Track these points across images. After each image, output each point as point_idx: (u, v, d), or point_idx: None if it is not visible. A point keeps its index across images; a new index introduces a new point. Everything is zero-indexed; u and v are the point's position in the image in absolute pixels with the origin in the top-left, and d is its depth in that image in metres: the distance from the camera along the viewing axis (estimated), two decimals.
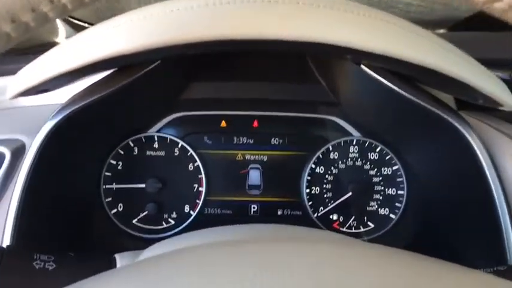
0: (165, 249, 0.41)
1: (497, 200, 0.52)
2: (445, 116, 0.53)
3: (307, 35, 0.38)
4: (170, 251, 0.30)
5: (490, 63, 0.49)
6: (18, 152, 0.52)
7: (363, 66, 0.53)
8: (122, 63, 0.46)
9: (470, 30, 0.94)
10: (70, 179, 0.61)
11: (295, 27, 0.38)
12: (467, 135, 0.54)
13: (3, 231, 0.49)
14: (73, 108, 0.53)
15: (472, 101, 0.53)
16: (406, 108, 0.56)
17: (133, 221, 0.70)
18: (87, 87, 0.55)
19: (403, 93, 0.53)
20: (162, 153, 0.71)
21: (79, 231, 0.64)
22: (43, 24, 0.26)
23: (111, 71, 0.54)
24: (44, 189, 0.54)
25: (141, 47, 0.38)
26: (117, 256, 0.43)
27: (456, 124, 0.53)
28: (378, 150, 0.72)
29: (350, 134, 0.72)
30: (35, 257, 0.39)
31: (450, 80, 0.45)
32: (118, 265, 0.42)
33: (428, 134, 0.62)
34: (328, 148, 0.72)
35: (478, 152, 0.54)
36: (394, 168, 0.72)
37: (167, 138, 0.71)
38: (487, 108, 0.51)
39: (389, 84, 0.52)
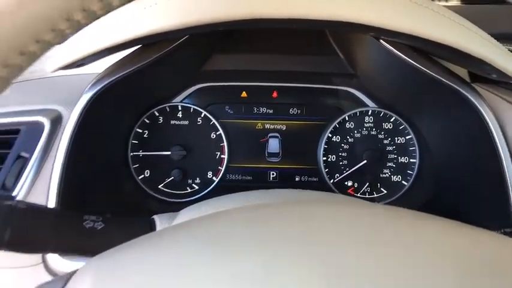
0: (200, 211, 0.45)
1: (506, 168, 0.55)
2: (459, 88, 0.56)
3: (337, 14, 0.40)
4: (222, 211, 0.33)
5: (502, 37, 0.51)
6: (56, 121, 0.56)
7: (381, 41, 0.55)
8: (158, 39, 0.48)
9: (483, 3, 0.94)
10: (101, 147, 0.65)
11: (324, 7, 0.40)
12: (479, 106, 0.57)
13: (48, 196, 0.53)
14: (108, 81, 0.56)
15: (485, 75, 0.55)
16: (421, 81, 0.59)
17: (159, 186, 0.74)
18: (119, 61, 0.58)
19: (419, 66, 0.55)
20: (186, 122, 0.74)
21: (111, 195, 0.68)
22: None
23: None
24: (82, 157, 0.57)
25: (181, 25, 0.41)
26: (155, 218, 0.47)
27: (469, 96, 0.56)
28: (392, 120, 0.75)
29: (366, 105, 0.75)
30: (85, 217, 0.43)
31: (465, 55, 0.47)
32: (158, 226, 0.46)
33: (441, 105, 0.64)
34: (345, 118, 0.75)
35: (489, 122, 0.56)
36: (407, 137, 0.75)
37: (191, 107, 0.74)
38: (499, 81, 0.53)
39: (406, 58, 0.55)
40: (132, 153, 0.74)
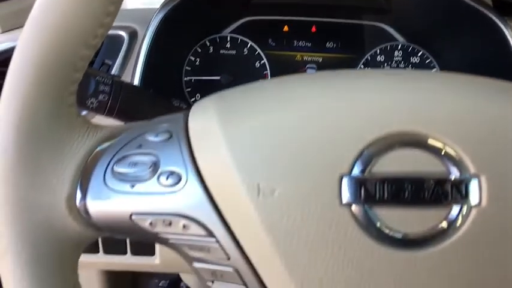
0: None
1: None
2: (486, 12, 0.64)
3: None
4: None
5: None
6: (133, 36, 0.65)
7: None
8: None
9: None
10: (167, 68, 0.75)
11: None
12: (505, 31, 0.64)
13: None
14: (175, 3, 0.65)
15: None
16: (450, 9, 0.67)
17: None
18: None
19: None
20: (234, 52, 0.83)
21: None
22: None
23: None
24: (155, 71, 0.67)
25: None
26: None
27: (496, 20, 0.64)
28: (419, 54, 0.83)
29: (396, 40, 0.83)
30: (172, 99, 0.52)
31: None
32: None
33: (469, 35, 0.72)
34: (376, 51, 0.83)
35: None
36: (433, 70, 0.83)
37: (238, 39, 0.83)
38: None
39: None
40: (185, 78, 0.83)
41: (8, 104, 0.31)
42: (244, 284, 0.31)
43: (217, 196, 0.30)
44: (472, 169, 0.29)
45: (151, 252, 0.64)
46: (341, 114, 0.30)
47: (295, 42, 0.84)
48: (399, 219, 0.29)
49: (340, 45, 0.84)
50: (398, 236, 0.29)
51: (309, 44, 0.84)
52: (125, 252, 0.64)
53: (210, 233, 0.31)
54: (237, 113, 0.32)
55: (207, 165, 0.31)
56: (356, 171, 0.29)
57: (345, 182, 0.29)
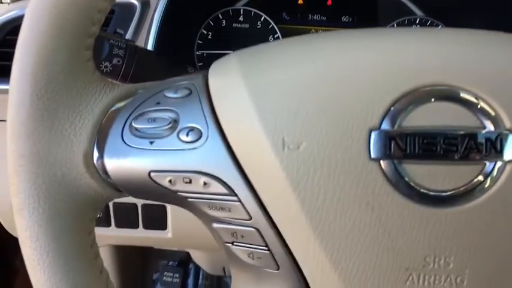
0: None
1: None
2: None
3: None
4: None
5: None
6: (146, 5, 0.64)
7: None
8: None
9: None
10: (178, 40, 0.73)
11: None
12: None
13: None
14: None
15: None
16: None
17: None
18: None
19: None
20: (247, 25, 0.81)
21: None
22: None
23: None
24: (167, 44, 0.66)
25: None
26: None
27: None
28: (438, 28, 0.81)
29: (414, 13, 0.81)
30: (187, 66, 0.51)
31: None
32: None
33: (487, 8, 0.70)
34: (393, 26, 0.81)
35: None
36: None
37: (252, 11, 0.81)
38: None
39: None
40: (198, 52, 0.81)
41: (24, 56, 0.30)
42: (266, 245, 0.31)
43: (239, 152, 0.29)
44: (507, 124, 0.27)
45: (163, 226, 0.64)
46: (370, 67, 0.28)
47: (310, 15, 0.82)
48: (430, 175, 0.27)
49: (356, 19, 0.82)
50: (429, 192, 0.28)
51: (324, 18, 0.82)
52: (137, 226, 0.64)
53: (232, 191, 0.30)
54: (261, 65, 0.31)
55: (229, 120, 0.30)
56: (385, 125, 0.28)
57: (374, 136, 0.28)
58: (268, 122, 0.28)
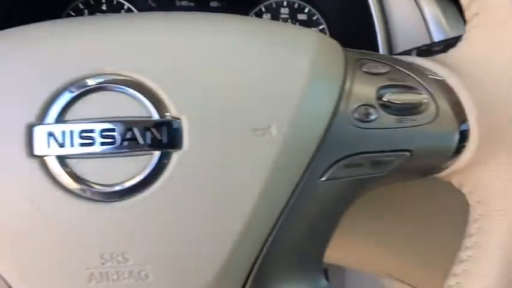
0: None
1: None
2: None
3: None
4: None
5: None
6: None
7: None
8: None
9: None
10: None
11: None
12: None
13: None
14: None
15: None
16: None
17: None
18: None
19: None
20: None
21: None
22: None
23: None
24: None
25: None
26: None
27: None
28: (306, 11, 0.79)
29: None
30: None
31: None
32: None
33: None
34: (261, 9, 0.79)
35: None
36: (321, 27, 0.80)
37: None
38: None
39: None
40: None
41: None
42: None
43: None
44: (173, 111, 0.26)
45: None
46: (32, 58, 0.27)
47: (178, 1, 0.80)
48: (94, 169, 0.26)
49: (227, 2, 0.80)
50: (96, 187, 0.26)
51: (192, 4, 0.80)
52: None
53: None
54: None
55: None
56: (48, 120, 0.26)
57: (36, 132, 0.26)
58: None
